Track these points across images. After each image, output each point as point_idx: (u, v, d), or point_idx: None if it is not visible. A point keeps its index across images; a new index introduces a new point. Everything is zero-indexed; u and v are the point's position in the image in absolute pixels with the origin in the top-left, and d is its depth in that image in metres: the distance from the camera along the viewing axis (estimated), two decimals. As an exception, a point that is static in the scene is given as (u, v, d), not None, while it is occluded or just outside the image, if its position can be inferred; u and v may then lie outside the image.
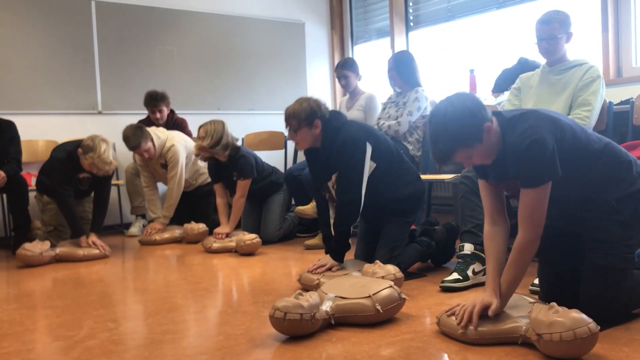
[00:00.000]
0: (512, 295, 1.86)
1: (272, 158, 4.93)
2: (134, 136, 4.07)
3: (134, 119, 4.85)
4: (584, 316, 1.59)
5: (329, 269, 2.60)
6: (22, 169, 4.00)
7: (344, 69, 4.38)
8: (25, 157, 4.16)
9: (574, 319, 1.57)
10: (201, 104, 5.38)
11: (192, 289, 2.72)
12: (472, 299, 1.86)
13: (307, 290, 2.47)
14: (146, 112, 4.74)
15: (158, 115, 4.65)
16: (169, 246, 4.10)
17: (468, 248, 2.55)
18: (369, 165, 2.66)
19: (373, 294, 2.02)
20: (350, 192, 2.63)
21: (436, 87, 4.80)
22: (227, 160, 3.91)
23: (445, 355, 1.72)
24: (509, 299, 1.87)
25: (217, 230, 3.90)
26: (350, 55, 5.99)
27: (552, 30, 2.82)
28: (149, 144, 4.15)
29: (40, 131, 4.70)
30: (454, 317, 1.84)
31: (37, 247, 3.49)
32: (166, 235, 4.20)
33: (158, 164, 4.34)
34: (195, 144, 3.89)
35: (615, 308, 1.89)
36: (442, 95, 1.90)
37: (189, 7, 5.33)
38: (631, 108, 3.12)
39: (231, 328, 2.05)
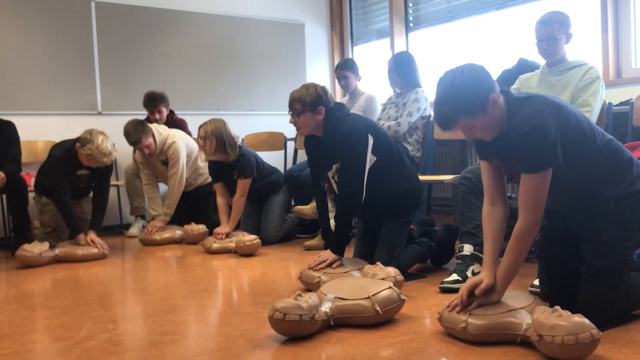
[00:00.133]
0: (509, 283, 1.86)
1: (272, 159, 4.92)
2: (135, 131, 4.07)
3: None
4: (587, 321, 1.59)
5: (330, 265, 2.60)
6: (21, 170, 4.01)
7: (343, 70, 4.38)
8: (24, 158, 4.16)
9: (576, 323, 1.57)
10: (201, 104, 5.38)
11: (192, 289, 2.72)
12: (467, 280, 1.87)
13: (308, 289, 2.48)
14: (146, 112, 4.74)
15: (157, 116, 4.65)
16: (169, 247, 4.10)
17: (468, 249, 2.55)
18: (369, 158, 2.66)
19: (372, 295, 2.01)
20: (352, 185, 2.63)
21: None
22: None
23: (445, 357, 1.72)
24: (508, 290, 1.87)
25: (217, 230, 3.90)
26: (350, 56, 5.99)
27: (552, 31, 2.82)
28: (150, 139, 4.15)
29: (40, 132, 4.70)
30: (454, 312, 1.84)
31: (36, 248, 3.49)
32: (166, 234, 4.20)
33: (159, 161, 4.34)
34: (200, 149, 3.87)
35: (614, 310, 1.89)
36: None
37: (188, 7, 5.33)
38: (631, 109, 3.12)
39: (231, 329, 2.05)
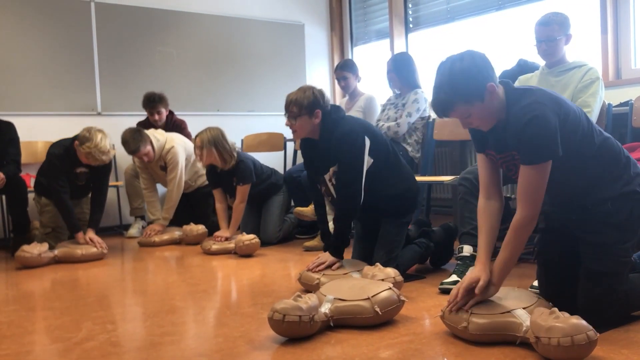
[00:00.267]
0: (506, 276, 1.86)
1: (272, 159, 4.93)
2: (132, 140, 4.06)
3: (134, 120, 4.86)
4: (584, 323, 1.58)
5: (329, 267, 2.60)
6: (21, 170, 4.00)
7: (343, 71, 4.39)
8: (24, 158, 4.16)
9: (573, 325, 1.57)
10: (201, 105, 5.38)
11: (191, 290, 2.72)
12: (463, 278, 1.87)
13: (307, 290, 2.48)
14: (145, 113, 4.74)
15: (157, 116, 4.65)
16: (168, 248, 4.10)
17: (467, 250, 2.55)
18: (366, 160, 2.65)
19: (372, 296, 2.01)
20: (350, 187, 2.63)
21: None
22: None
23: (445, 358, 1.72)
24: (508, 292, 1.87)
25: (217, 233, 3.89)
26: (350, 57, 5.99)
27: (551, 32, 2.82)
28: (148, 147, 4.15)
29: (40, 132, 4.70)
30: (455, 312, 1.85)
31: (35, 249, 3.49)
32: (165, 237, 4.20)
33: (157, 166, 4.34)
34: (197, 157, 3.86)
35: (613, 311, 1.89)
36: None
37: (188, 8, 5.33)
38: (630, 110, 3.12)
39: (230, 330, 2.05)
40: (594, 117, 2.78)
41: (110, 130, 4.72)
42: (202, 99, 5.40)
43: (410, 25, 5.39)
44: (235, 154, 3.86)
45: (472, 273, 1.86)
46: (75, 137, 3.66)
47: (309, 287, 2.53)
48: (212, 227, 4.12)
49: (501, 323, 1.76)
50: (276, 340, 1.91)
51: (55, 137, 4.65)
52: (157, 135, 4.26)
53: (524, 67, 3.54)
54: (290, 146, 5.28)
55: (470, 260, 2.52)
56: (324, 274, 2.54)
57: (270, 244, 3.99)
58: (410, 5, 5.37)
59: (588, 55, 3.88)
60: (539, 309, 1.72)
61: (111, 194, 4.27)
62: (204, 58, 5.41)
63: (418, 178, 2.98)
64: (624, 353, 1.66)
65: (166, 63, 5.22)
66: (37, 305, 2.56)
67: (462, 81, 1.75)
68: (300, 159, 5.10)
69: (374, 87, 5.32)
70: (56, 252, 3.62)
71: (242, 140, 5.28)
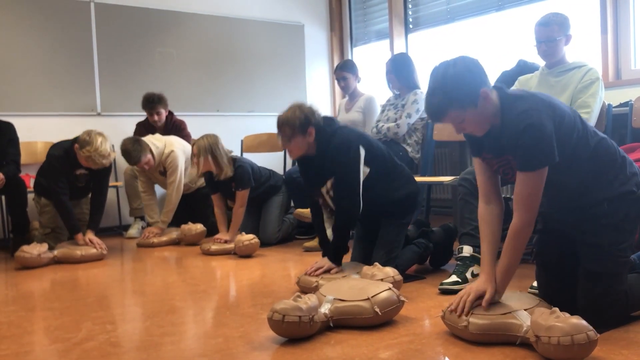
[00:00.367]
0: (508, 282, 1.86)
1: (272, 160, 4.93)
2: (133, 151, 4.03)
3: (133, 121, 4.86)
4: (584, 323, 1.58)
5: (327, 271, 2.59)
6: (20, 171, 4.00)
7: (343, 71, 4.39)
8: (24, 159, 4.15)
9: (573, 324, 1.57)
10: (200, 105, 5.38)
11: (191, 291, 2.72)
12: (469, 287, 1.87)
13: (306, 293, 2.47)
14: (145, 114, 4.73)
15: (156, 117, 4.65)
16: (168, 248, 4.10)
17: (467, 250, 2.55)
18: (362, 170, 2.65)
19: (372, 297, 2.01)
20: (348, 197, 2.62)
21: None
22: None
23: (444, 358, 1.72)
24: (510, 294, 1.88)
25: (217, 236, 3.87)
26: (350, 57, 5.99)
27: (551, 32, 2.82)
28: (149, 155, 4.14)
29: (39, 133, 4.69)
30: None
31: (35, 249, 3.49)
32: (164, 238, 4.19)
33: (157, 172, 4.33)
34: (194, 165, 3.85)
35: (613, 312, 1.88)
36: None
37: (188, 9, 5.33)
38: (630, 110, 3.12)
39: (229, 330, 2.05)
40: (593, 117, 2.78)
41: (110, 131, 4.72)
42: (202, 100, 5.40)
43: (410, 26, 5.39)
44: (229, 163, 3.83)
45: (477, 285, 1.85)
46: (76, 140, 3.66)
47: (308, 290, 2.51)
48: (211, 227, 4.11)
49: (501, 324, 1.76)
50: (276, 340, 1.91)
51: (54, 138, 4.66)
52: (154, 142, 4.23)
53: (523, 68, 3.54)
54: (290, 147, 5.27)
55: (470, 260, 2.52)
56: (322, 277, 2.54)
57: (269, 244, 3.98)
58: (410, 6, 5.37)
59: (588, 55, 3.88)
60: (539, 309, 1.72)
61: (111, 194, 4.27)
62: (204, 58, 5.41)
63: (418, 179, 2.98)
64: (624, 353, 1.66)
65: (166, 63, 5.22)
66: (36, 305, 2.55)
67: (455, 87, 1.75)
68: (299, 160, 5.11)
69: (373, 87, 5.32)
70: (55, 252, 3.61)
71: (241, 141, 5.28)
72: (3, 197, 4.27)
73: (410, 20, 5.38)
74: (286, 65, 5.86)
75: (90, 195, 3.95)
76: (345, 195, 2.63)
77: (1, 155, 3.90)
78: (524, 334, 1.72)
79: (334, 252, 2.64)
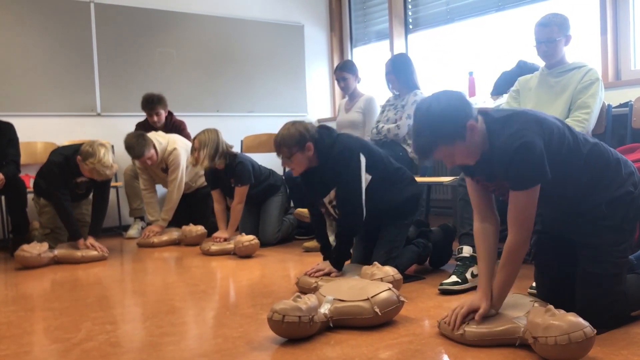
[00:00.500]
0: (505, 297, 1.87)
1: (271, 160, 4.90)
2: (137, 145, 4.05)
3: (133, 121, 4.86)
4: (581, 320, 1.59)
5: (327, 274, 2.59)
6: (20, 171, 4.00)
7: (343, 71, 4.39)
8: (23, 159, 4.15)
9: (569, 322, 1.57)
10: (200, 106, 5.38)
11: (191, 291, 2.72)
12: (463, 300, 1.88)
13: (305, 293, 2.47)
14: (145, 114, 4.74)
15: (155, 118, 4.65)
16: (167, 248, 4.10)
17: (467, 251, 2.55)
18: (364, 177, 2.65)
19: (371, 297, 2.01)
20: (351, 204, 2.62)
21: (435, 90, 4.80)
22: (224, 167, 3.89)
23: (444, 358, 1.72)
24: (505, 300, 1.88)
25: (216, 234, 3.89)
26: (350, 58, 5.99)
27: (551, 33, 2.82)
28: (152, 151, 4.15)
29: (39, 133, 4.69)
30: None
31: (35, 249, 3.49)
32: (164, 237, 4.20)
33: (159, 168, 4.34)
34: (192, 157, 3.87)
35: (612, 313, 1.88)
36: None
37: (188, 9, 5.33)
38: (630, 111, 3.12)
39: (229, 330, 2.05)
40: (593, 118, 2.78)
41: (110, 131, 4.75)
42: (202, 100, 5.40)
43: (410, 26, 5.39)
44: (233, 155, 3.86)
45: (472, 299, 1.86)
46: (77, 149, 3.65)
47: (307, 291, 2.51)
48: (211, 228, 4.12)
49: (499, 331, 1.77)
50: (275, 340, 1.91)
51: (54, 138, 4.67)
52: (159, 139, 4.26)
53: (523, 68, 3.55)
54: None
55: (470, 261, 2.52)
56: (321, 278, 2.54)
57: (269, 244, 3.98)
58: (410, 6, 5.37)
59: (588, 56, 3.88)
60: (535, 309, 1.72)
61: (111, 195, 4.26)
62: (204, 59, 5.41)
63: (418, 179, 2.98)
64: (623, 354, 1.66)
65: (166, 64, 5.22)
66: (36, 305, 2.55)
67: (441, 123, 1.74)
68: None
69: (373, 88, 5.32)
70: (56, 252, 3.61)
71: (241, 141, 5.28)
72: (3, 198, 4.27)
73: (410, 20, 5.38)
74: (286, 66, 5.86)
75: (90, 197, 3.95)
76: (348, 203, 2.63)
77: (1, 155, 3.90)
78: (522, 334, 1.72)
79: (336, 258, 2.64)
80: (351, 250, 2.77)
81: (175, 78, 5.26)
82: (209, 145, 3.76)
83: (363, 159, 2.65)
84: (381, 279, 2.26)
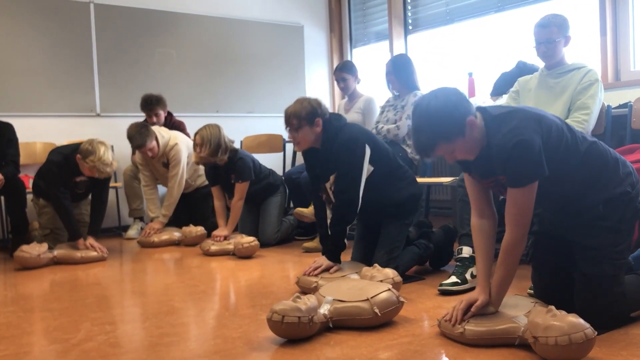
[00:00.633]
0: (504, 294, 1.87)
1: (271, 161, 4.92)
2: (139, 135, 4.07)
3: (132, 122, 4.84)
4: (581, 321, 1.59)
5: (326, 270, 2.60)
6: (20, 171, 4.00)
7: (342, 72, 4.39)
8: (23, 160, 4.15)
9: (570, 323, 1.57)
10: (200, 106, 5.38)
11: (190, 291, 2.72)
12: (462, 296, 1.89)
13: (305, 293, 2.47)
14: (144, 115, 4.74)
15: (155, 119, 4.65)
16: (167, 249, 4.10)
17: (466, 251, 2.55)
18: (367, 168, 2.66)
19: (371, 297, 2.01)
20: (348, 192, 2.63)
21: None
22: (225, 163, 3.91)
23: (444, 359, 1.72)
24: (505, 299, 1.88)
25: (215, 232, 3.89)
26: (349, 58, 5.99)
27: (550, 33, 2.82)
28: (154, 142, 4.17)
29: (39, 133, 4.69)
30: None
31: (34, 249, 3.48)
32: (165, 237, 4.20)
33: (160, 163, 4.35)
34: (195, 153, 3.88)
35: (611, 314, 1.88)
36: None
37: (187, 9, 5.33)
38: (629, 112, 3.12)
39: (229, 331, 2.05)
40: (593, 118, 2.78)
41: (109, 132, 4.74)
42: (202, 100, 5.40)
43: (410, 27, 5.39)
44: (234, 150, 3.87)
45: (470, 294, 1.88)
46: (76, 148, 3.65)
47: (307, 291, 2.52)
48: (211, 228, 4.11)
49: (499, 330, 1.77)
50: (275, 341, 1.91)
51: (54, 138, 4.67)
52: (161, 132, 4.29)
53: (523, 69, 3.55)
54: (290, 147, 5.27)
55: (470, 261, 2.52)
56: (321, 277, 2.54)
57: (268, 245, 3.98)
58: (409, 7, 5.37)
59: (587, 57, 3.88)
60: (536, 309, 1.72)
61: (110, 195, 4.26)
62: (204, 59, 5.41)
63: (417, 179, 2.98)
64: (623, 354, 1.66)
65: (165, 64, 5.22)
66: (35, 306, 2.55)
67: (440, 120, 1.74)
68: (299, 161, 5.12)
69: (373, 88, 5.32)
70: (55, 253, 3.61)
71: (241, 142, 5.28)
72: (2, 198, 4.27)
73: (410, 21, 5.39)
74: (286, 66, 5.86)
75: (89, 197, 3.95)
76: (345, 189, 2.64)
77: (0, 155, 3.90)
78: (522, 334, 1.72)
79: (331, 249, 2.64)
80: (346, 241, 2.76)
81: (175, 78, 5.26)
82: (211, 140, 3.77)
83: (368, 150, 2.66)
84: (381, 282, 2.26)
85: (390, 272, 2.34)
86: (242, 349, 1.85)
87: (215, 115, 5.40)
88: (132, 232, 4.66)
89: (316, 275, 2.57)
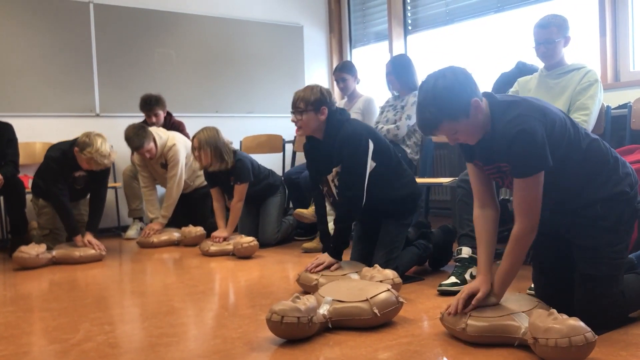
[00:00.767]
0: (507, 286, 1.87)
1: (271, 161, 4.92)
2: (137, 136, 4.07)
3: (132, 122, 4.84)
4: (582, 324, 1.58)
5: (327, 267, 2.60)
6: (19, 171, 4.00)
7: (342, 72, 4.39)
8: (22, 160, 4.15)
9: (570, 326, 1.57)
10: (199, 106, 5.38)
11: (190, 292, 2.71)
12: (464, 287, 1.89)
13: (306, 291, 2.48)
14: (144, 115, 4.73)
15: (154, 119, 4.65)
16: (167, 249, 4.09)
17: (466, 252, 2.55)
18: (369, 164, 2.66)
19: (371, 298, 2.01)
20: (353, 188, 2.64)
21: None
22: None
23: (443, 359, 1.72)
24: (507, 295, 1.88)
25: (215, 233, 3.89)
26: (349, 59, 5.99)
27: (550, 34, 2.82)
28: (151, 143, 4.16)
29: (38, 133, 4.69)
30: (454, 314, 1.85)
31: (33, 250, 3.48)
32: (164, 237, 4.20)
33: (158, 164, 4.34)
34: (198, 161, 3.87)
35: (610, 314, 1.88)
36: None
37: (187, 9, 5.33)
38: (629, 112, 3.12)
39: (228, 331, 2.05)
40: (592, 119, 2.78)
41: (109, 132, 4.71)
42: (201, 101, 5.40)
43: (409, 27, 5.40)
44: (232, 153, 3.87)
45: (472, 284, 1.88)
46: (73, 142, 3.66)
47: (308, 288, 2.53)
48: (210, 229, 4.11)
49: (499, 326, 1.76)
50: (274, 341, 1.91)
51: (53, 139, 4.65)
52: (159, 133, 4.28)
53: (522, 70, 3.54)
54: (289, 148, 5.28)
55: (469, 262, 2.52)
56: (322, 275, 2.54)
57: (268, 245, 3.98)
58: (409, 7, 5.37)
59: (587, 57, 3.89)
60: (537, 311, 1.72)
61: (109, 195, 4.27)
62: (203, 59, 5.41)
63: (417, 180, 2.98)
64: (623, 355, 1.66)
65: (165, 64, 5.22)
66: (34, 306, 2.55)
67: (446, 99, 1.74)
68: (298, 161, 5.12)
69: (372, 88, 5.32)
70: (54, 253, 3.61)
71: (240, 142, 5.28)
72: (1, 198, 4.27)
73: (409, 21, 5.39)
74: (285, 67, 5.86)
75: (88, 196, 3.95)
76: (349, 185, 2.65)
77: (0, 156, 3.89)
78: (521, 336, 1.72)
79: (334, 245, 2.65)
80: (348, 238, 2.77)
81: (175, 79, 5.26)
82: (209, 143, 3.76)
83: (371, 145, 2.67)
84: (380, 282, 2.26)
85: (390, 273, 2.34)
86: (241, 349, 1.85)
87: (214, 115, 5.41)
88: (131, 232, 4.66)
89: (317, 273, 2.57)
